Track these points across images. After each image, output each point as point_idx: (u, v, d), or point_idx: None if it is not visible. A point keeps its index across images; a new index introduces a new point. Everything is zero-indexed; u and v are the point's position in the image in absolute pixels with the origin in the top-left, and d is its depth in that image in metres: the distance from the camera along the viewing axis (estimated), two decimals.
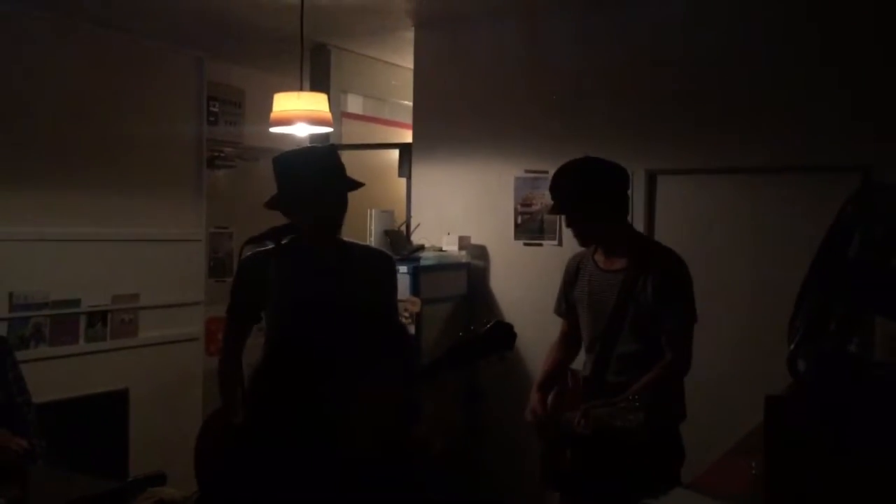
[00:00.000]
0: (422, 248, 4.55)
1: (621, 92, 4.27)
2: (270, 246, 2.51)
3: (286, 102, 3.88)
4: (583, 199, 2.82)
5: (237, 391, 2.50)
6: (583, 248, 2.98)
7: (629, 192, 2.94)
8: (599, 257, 2.93)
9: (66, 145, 4.33)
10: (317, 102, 3.94)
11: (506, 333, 2.51)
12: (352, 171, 2.66)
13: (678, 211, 4.18)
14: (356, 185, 2.61)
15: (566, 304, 3.06)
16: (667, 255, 2.92)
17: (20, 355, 3.69)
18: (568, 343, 3.08)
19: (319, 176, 2.56)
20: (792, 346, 1.71)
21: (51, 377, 4.15)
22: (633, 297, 2.77)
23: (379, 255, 2.85)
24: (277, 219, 2.56)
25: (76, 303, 4.39)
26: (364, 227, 5.20)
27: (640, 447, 2.64)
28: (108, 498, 2.93)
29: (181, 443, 4.80)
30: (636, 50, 4.24)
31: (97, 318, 4.49)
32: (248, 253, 2.59)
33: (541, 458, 2.93)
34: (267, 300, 2.57)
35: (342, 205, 2.62)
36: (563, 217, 2.97)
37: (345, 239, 2.74)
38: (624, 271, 2.82)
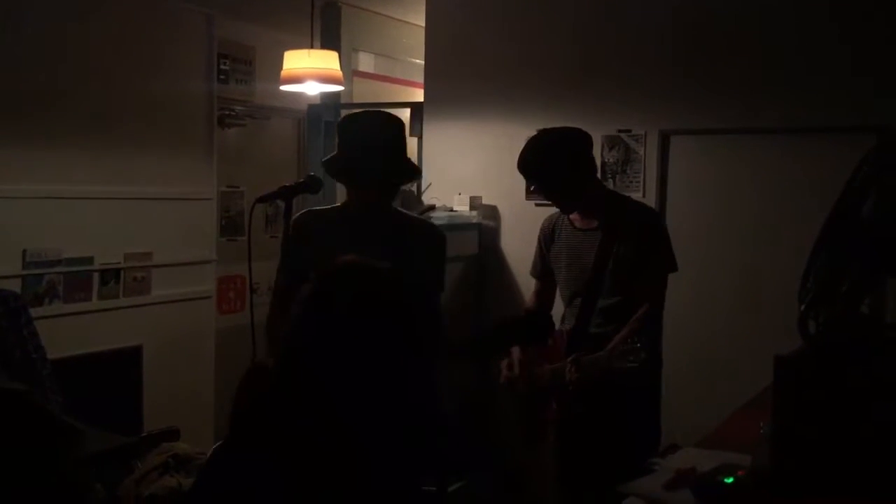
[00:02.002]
0: (433, 207, 4.54)
1: (635, 51, 4.22)
2: (327, 207, 2.49)
3: (297, 60, 3.86)
4: (558, 173, 2.85)
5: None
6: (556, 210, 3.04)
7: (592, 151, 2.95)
8: (574, 217, 2.97)
9: (75, 103, 4.31)
10: (327, 60, 3.91)
11: (544, 326, 2.50)
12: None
13: (691, 172, 4.15)
14: (412, 171, 2.62)
15: (542, 266, 3.13)
16: (641, 210, 2.99)
17: (35, 312, 3.72)
18: (541, 302, 3.17)
19: (373, 141, 2.53)
20: (803, 307, 1.70)
21: (65, 334, 4.18)
22: (611, 253, 2.82)
23: (429, 228, 2.81)
24: (287, 177, 2.56)
25: (89, 260, 4.41)
26: None
27: (635, 388, 2.72)
28: (122, 452, 2.99)
29: (194, 398, 4.90)
30: (650, 8, 4.17)
31: (110, 275, 4.51)
32: (301, 212, 2.57)
33: (523, 414, 2.99)
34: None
35: (394, 174, 2.59)
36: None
37: (400, 210, 2.72)
38: (600, 229, 2.86)
